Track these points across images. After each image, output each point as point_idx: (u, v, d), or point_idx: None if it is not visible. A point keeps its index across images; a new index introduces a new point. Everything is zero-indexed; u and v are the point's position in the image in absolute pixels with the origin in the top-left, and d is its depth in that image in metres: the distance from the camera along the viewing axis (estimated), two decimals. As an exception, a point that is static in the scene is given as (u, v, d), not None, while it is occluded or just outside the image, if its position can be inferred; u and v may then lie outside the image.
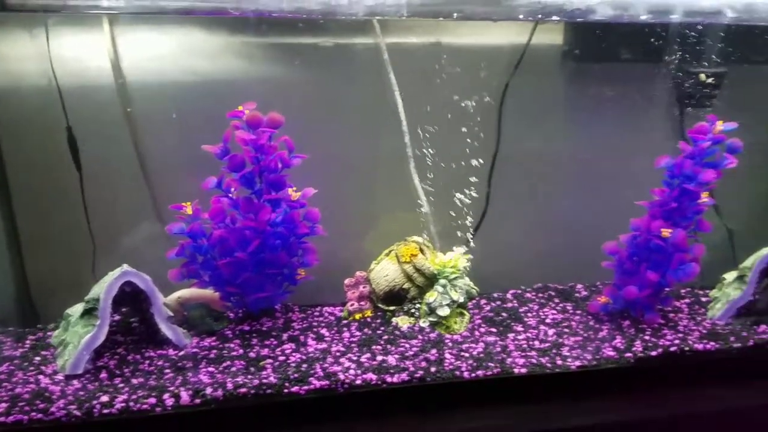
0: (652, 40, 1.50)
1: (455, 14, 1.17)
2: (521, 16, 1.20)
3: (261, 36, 1.47)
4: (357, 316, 1.61)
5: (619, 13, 1.25)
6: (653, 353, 1.49)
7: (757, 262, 1.62)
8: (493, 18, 1.17)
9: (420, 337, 1.53)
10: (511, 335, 1.57)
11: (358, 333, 1.55)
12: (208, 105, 1.43)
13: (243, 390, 1.31)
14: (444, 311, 1.57)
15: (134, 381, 1.33)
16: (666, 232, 1.46)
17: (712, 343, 1.53)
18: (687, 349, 1.51)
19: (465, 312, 1.62)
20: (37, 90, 1.46)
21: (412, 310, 1.61)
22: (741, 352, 1.53)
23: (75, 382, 1.32)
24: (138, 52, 1.48)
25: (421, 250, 1.62)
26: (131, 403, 1.25)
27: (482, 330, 1.59)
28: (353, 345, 1.50)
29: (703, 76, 1.57)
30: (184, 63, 1.49)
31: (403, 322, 1.59)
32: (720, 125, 1.44)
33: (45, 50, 1.41)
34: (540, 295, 1.77)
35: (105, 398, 1.25)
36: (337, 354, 1.45)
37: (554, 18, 1.20)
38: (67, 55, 1.44)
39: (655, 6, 1.28)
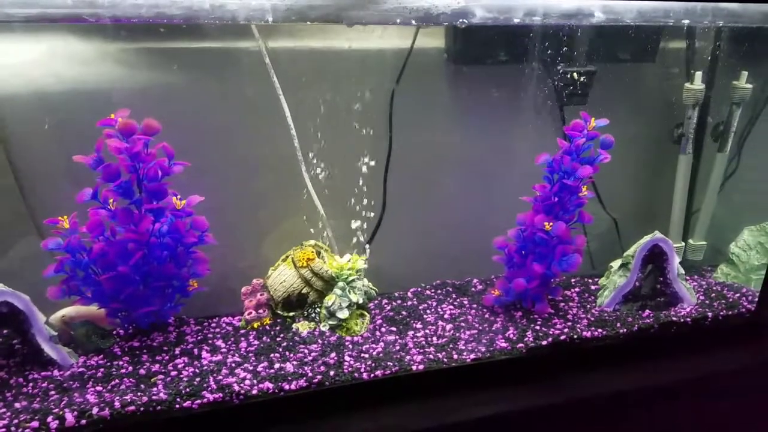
0: (528, 41, 1.57)
1: (318, 18, 1.17)
2: (398, 21, 1.21)
3: (137, 42, 1.42)
4: (255, 325, 1.58)
5: (487, 15, 1.28)
6: (543, 342, 1.55)
7: (639, 250, 1.72)
8: (362, 22, 1.18)
9: (320, 341, 1.53)
10: (410, 333, 1.59)
11: (256, 342, 1.53)
12: (84, 113, 1.36)
13: (131, 408, 1.26)
14: (343, 314, 1.57)
15: (17, 405, 1.27)
16: (548, 226, 1.52)
17: (600, 330, 1.61)
18: (575, 336, 1.59)
19: (366, 313, 1.63)
20: None
21: (312, 315, 1.61)
22: (627, 337, 1.62)
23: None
24: (6, 60, 1.40)
25: (318, 254, 1.62)
26: (12, 429, 1.19)
27: (383, 330, 1.61)
28: (250, 354, 1.47)
29: (575, 75, 1.65)
30: (57, 70, 1.41)
31: (303, 327, 1.58)
32: (593, 122, 1.51)
33: None
34: (439, 291, 1.80)
35: None
36: (233, 365, 1.43)
37: (414, 23, 1.22)
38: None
39: (528, 9, 1.33)
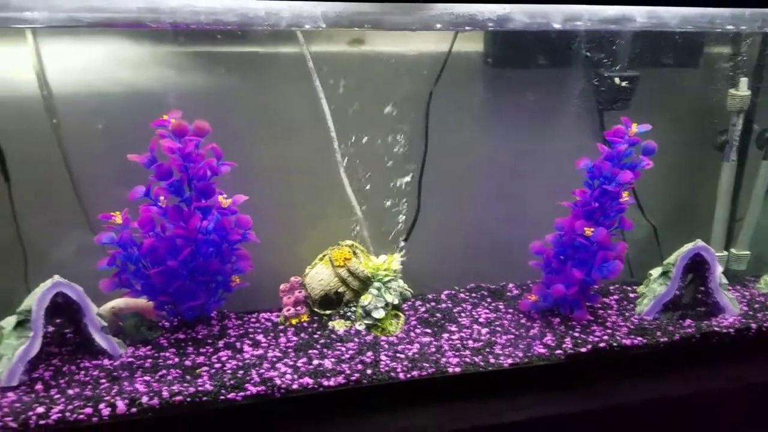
0: (568, 46, 1.58)
1: (370, 25, 1.20)
2: (438, 26, 1.24)
3: (186, 46, 1.48)
4: (293, 321, 1.62)
5: (531, 21, 1.30)
6: (583, 349, 1.55)
7: (680, 258, 1.70)
8: (411, 28, 1.21)
9: (356, 340, 1.56)
10: (445, 335, 1.60)
11: (294, 338, 1.56)
12: (135, 115, 1.43)
13: (179, 398, 1.31)
14: (379, 314, 1.60)
15: (70, 392, 1.32)
16: (588, 231, 1.52)
17: (640, 338, 1.60)
18: (615, 344, 1.58)
19: (400, 314, 1.65)
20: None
21: (348, 314, 1.64)
22: (667, 346, 1.60)
23: (10, 393, 1.31)
24: (63, 64, 1.48)
25: (355, 254, 1.65)
26: (67, 414, 1.25)
27: (418, 331, 1.62)
28: (289, 350, 1.51)
29: (617, 80, 1.64)
30: (111, 73, 1.49)
31: (339, 325, 1.61)
32: (634, 127, 1.50)
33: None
34: (473, 295, 1.81)
35: (41, 409, 1.24)
36: (274, 359, 1.47)
37: (467, 28, 1.24)
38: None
39: (567, 14, 1.34)
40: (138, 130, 1.38)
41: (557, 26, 1.36)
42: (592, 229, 1.52)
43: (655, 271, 1.77)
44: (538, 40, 1.58)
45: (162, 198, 1.40)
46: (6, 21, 1.18)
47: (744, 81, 1.75)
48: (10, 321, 1.39)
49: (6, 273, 1.57)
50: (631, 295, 1.82)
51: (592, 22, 1.40)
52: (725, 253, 1.95)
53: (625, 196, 1.56)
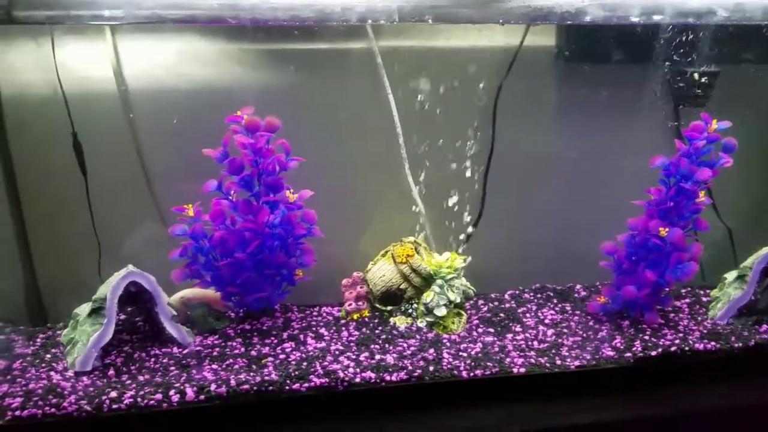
0: (644, 40, 1.52)
1: (445, 18, 1.19)
2: (512, 21, 1.22)
3: (257, 43, 1.51)
4: (355, 316, 1.63)
5: (609, 14, 1.26)
6: (653, 353, 1.49)
7: (757, 261, 1.62)
8: (484, 21, 1.19)
9: (417, 336, 1.55)
10: (509, 335, 1.58)
11: (356, 332, 1.57)
12: (207, 110, 1.48)
13: (245, 387, 1.34)
14: (441, 311, 1.58)
15: (141, 378, 1.37)
16: (663, 231, 1.46)
17: (713, 343, 1.53)
18: (687, 348, 1.51)
19: (462, 312, 1.64)
20: (43, 98, 1.52)
21: (409, 311, 1.63)
22: (742, 352, 1.53)
23: (84, 378, 1.37)
24: (139, 60, 1.53)
25: (417, 251, 1.64)
26: (139, 399, 1.30)
27: (480, 330, 1.60)
28: (352, 344, 1.52)
29: (696, 76, 1.58)
30: (184, 70, 1.54)
31: (400, 322, 1.61)
32: (714, 124, 1.44)
33: (51, 60, 1.47)
34: (538, 295, 1.78)
35: (114, 394, 1.29)
36: (336, 353, 1.48)
37: (540, 22, 1.21)
38: (72, 64, 1.50)
39: (646, 7, 1.30)
40: (210, 126, 1.42)
41: (634, 19, 1.31)
42: (667, 230, 1.46)
43: (730, 275, 1.69)
44: (612, 33, 1.53)
45: (233, 192, 1.43)
46: (88, 18, 1.24)
47: None
48: (85, 308, 1.45)
49: (81, 263, 1.64)
50: (704, 299, 1.75)
51: (671, 15, 1.34)
52: None
53: (702, 196, 1.49)
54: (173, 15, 1.14)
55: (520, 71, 1.61)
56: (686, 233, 1.52)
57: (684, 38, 1.53)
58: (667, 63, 1.57)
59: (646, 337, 1.55)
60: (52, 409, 1.27)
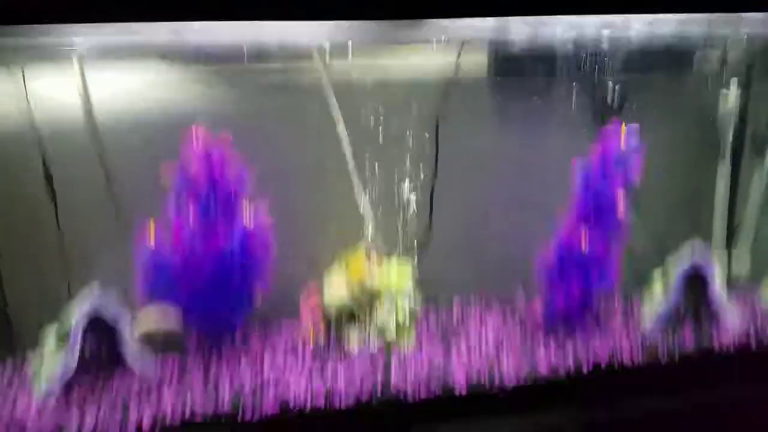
0: (567, 56, 1.70)
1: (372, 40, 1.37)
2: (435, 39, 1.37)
3: (211, 65, 1.65)
4: (311, 333, 1.71)
5: (530, 33, 1.43)
6: (585, 359, 1.60)
7: (679, 266, 1.74)
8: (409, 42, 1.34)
9: (370, 351, 1.64)
10: (455, 346, 1.67)
11: (312, 349, 1.65)
12: (170, 134, 1.56)
13: (201, 411, 1.42)
14: (392, 325, 1.68)
15: (101, 404, 1.43)
16: (584, 237, 1.59)
17: (642, 349, 1.65)
18: (616, 355, 1.63)
19: (413, 324, 1.73)
20: (15, 124, 1.59)
21: (363, 326, 1.71)
22: (669, 356, 1.65)
23: (48, 406, 1.41)
24: (106, 87, 1.63)
25: (368, 258, 1.74)
26: (99, 427, 1.36)
27: (429, 342, 1.69)
28: (307, 361, 1.60)
29: (611, 87, 1.75)
30: (147, 94, 1.64)
31: (354, 337, 1.69)
32: (624, 131, 1.57)
33: (21, 87, 1.56)
34: (484, 304, 1.88)
35: (75, 421, 1.35)
36: (291, 371, 1.55)
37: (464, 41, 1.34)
38: (42, 92, 1.59)
39: (567, 23, 1.47)
40: (173, 148, 1.51)
41: (555, 36, 1.48)
42: (588, 235, 1.59)
43: (656, 280, 1.82)
44: (538, 50, 1.68)
45: (192, 216, 1.52)
46: (54, 47, 1.35)
47: (734, 82, 1.83)
48: (51, 336, 1.51)
49: (51, 286, 1.69)
50: (635, 305, 1.86)
51: (587, 31, 1.51)
52: (726, 253, 1.99)
53: (621, 202, 1.62)
54: (127, 42, 1.25)
55: (457, 88, 1.76)
56: (609, 237, 1.64)
57: (600, 53, 1.71)
58: (588, 76, 1.75)
59: (579, 344, 1.66)
60: (15, 438, 1.31)
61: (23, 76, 1.55)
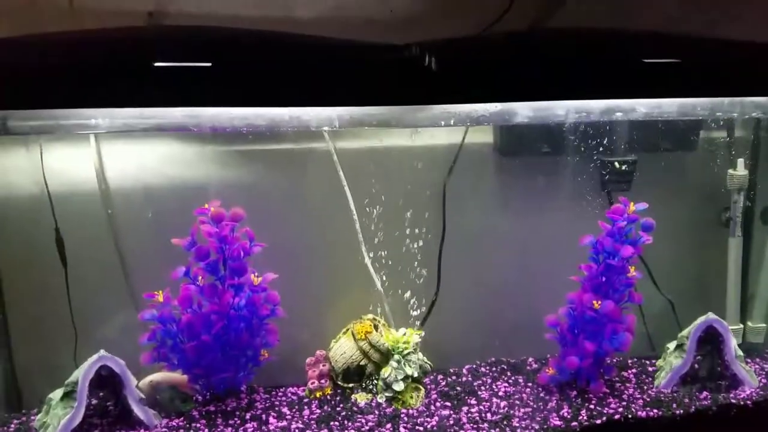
0: (572, 135, 1.77)
1: (378, 123, 1.41)
2: (442, 123, 1.43)
3: (225, 145, 1.72)
4: (317, 394, 1.70)
5: (536, 114, 1.48)
6: (597, 421, 1.57)
7: (693, 330, 1.73)
8: (416, 125, 1.40)
9: (376, 412, 1.62)
10: (465, 408, 1.65)
11: (318, 410, 1.64)
12: (180, 205, 1.63)
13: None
14: (399, 386, 1.66)
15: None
16: (597, 304, 1.59)
17: (656, 411, 1.61)
18: (630, 416, 1.59)
19: (420, 387, 1.71)
20: (30, 197, 1.67)
21: (370, 387, 1.70)
22: (684, 418, 1.60)
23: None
24: (119, 162, 1.71)
25: (376, 327, 1.74)
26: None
27: (437, 404, 1.67)
28: (312, 422, 1.58)
29: (617, 164, 1.79)
30: (159, 169, 1.71)
31: (361, 398, 1.68)
32: (632, 206, 1.62)
33: (39, 163, 1.64)
34: (493, 369, 1.86)
35: None
36: (296, 431, 1.54)
37: (468, 124, 1.41)
38: (58, 166, 1.67)
39: (570, 107, 1.53)
40: (182, 219, 1.57)
41: (560, 118, 1.53)
42: (600, 302, 1.59)
43: (671, 345, 1.80)
44: (543, 130, 1.77)
45: (200, 277, 1.55)
46: (73, 127, 1.42)
47: (741, 162, 1.86)
48: (58, 393, 1.52)
49: (58, 350, 1.72)
50: (650, 368, 1.84)
51: (594, 113, 1.57)
52: (741, 325, 1.96)
53: (632, 271, 1.64)
54: (144, 124, 1.32)
55: (465, 164, 1.83)
56: (623, 306, 1.65)
57: (605, 132, 1.77)
58: (594, 154, 1.82)
59: (592, 406, 1.63)
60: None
61: (41, 152, 1.65)
